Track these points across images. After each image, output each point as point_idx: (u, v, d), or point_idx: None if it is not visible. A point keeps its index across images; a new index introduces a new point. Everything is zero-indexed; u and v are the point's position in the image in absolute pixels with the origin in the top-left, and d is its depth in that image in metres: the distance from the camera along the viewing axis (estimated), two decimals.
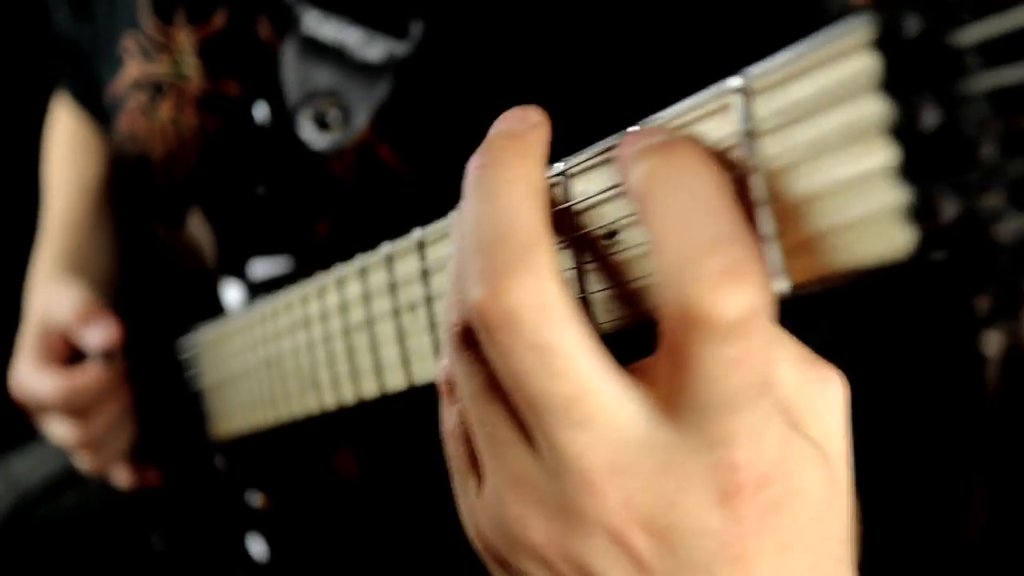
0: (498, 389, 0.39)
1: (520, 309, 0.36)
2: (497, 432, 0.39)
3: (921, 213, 0.27)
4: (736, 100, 0.34)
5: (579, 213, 0.41)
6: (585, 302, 0.42)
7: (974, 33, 0.26)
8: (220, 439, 0.92)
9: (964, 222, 0.27)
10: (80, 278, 1.05)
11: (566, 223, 0.42)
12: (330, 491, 0.95)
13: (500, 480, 0.40)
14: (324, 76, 0.79)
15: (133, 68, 0.96)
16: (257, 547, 0.93)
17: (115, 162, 1.09)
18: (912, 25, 0.27)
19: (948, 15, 0.27)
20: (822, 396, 0.39)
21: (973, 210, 0.26)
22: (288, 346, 0.73)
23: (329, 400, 0.68)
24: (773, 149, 0.33)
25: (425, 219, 0.58)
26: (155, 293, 1.08)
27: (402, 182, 0.83)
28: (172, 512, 1.07)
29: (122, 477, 1.01)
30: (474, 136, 0.81)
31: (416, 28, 0.79)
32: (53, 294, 0.98)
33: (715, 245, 0.31)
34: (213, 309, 0.94)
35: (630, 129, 0.39)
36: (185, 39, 0.92)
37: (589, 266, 0.42)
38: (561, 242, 0.42)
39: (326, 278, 0.66)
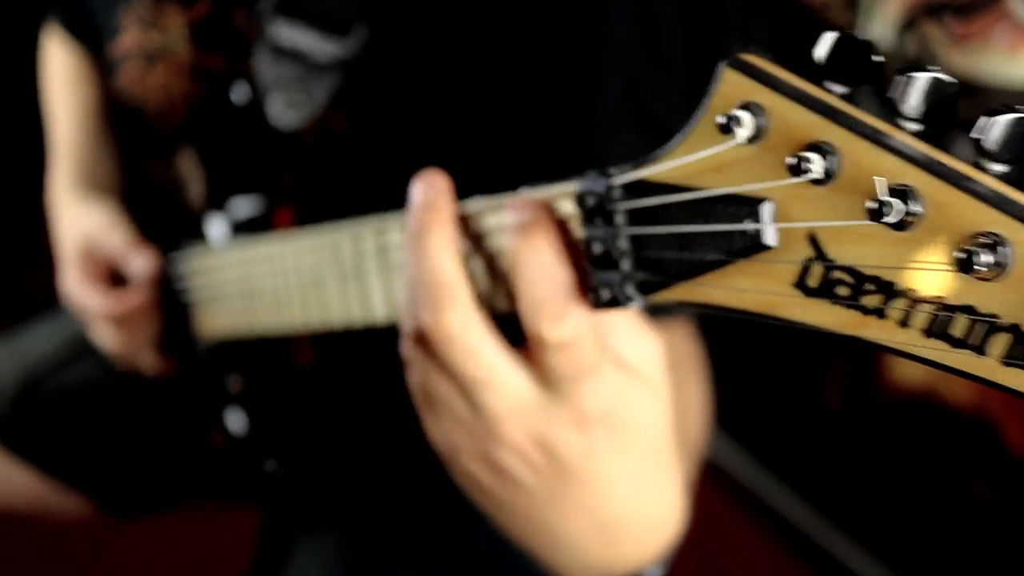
0: (444, 370, 0.65)
1: (453, 328, 0.62)
2: (444, 395, 0.66)
3: (594, 292, 0.54)
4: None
5: (486, 234, 0.67)
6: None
7: (625, 205, 0.52)
8: (206, 337, 1.18)
9: (612, 302, 0.53)
10: (102, 196, 1.27)
11: (480, 243, 0.68)
12: (290, 378, 1.21)
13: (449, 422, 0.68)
14: (289, 70, 1.02)
15: (129, 37, 1.18)
16: (235, 421, 1.20)
17: (113, 107, 1.31)
18: (590, 199, 0.53)
19: (611, 198, 0.53)
20: (645, 349, 0.65)
21: (616, 296, 0.53)
22: (261, 284, 0.99)
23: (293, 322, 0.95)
24: None
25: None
26: (146, 212, 1.32)
27: (352, 147, 1.08)
28: (162, 389, 1.33)
29: (151, 364, 1.25)
30: (408, 113, 1.05)
31: (360, 31, 1.02)
32: (93, 219, 1.20)
33: (546, 300, 0.59)
34: (194, 233, 1.18)
35: (515, 196, 0.64)
36: (175, 19, 1.14)
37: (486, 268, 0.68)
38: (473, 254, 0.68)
39: (296, 242, 0.91)
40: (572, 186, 0.56)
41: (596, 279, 0.55)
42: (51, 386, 1.37)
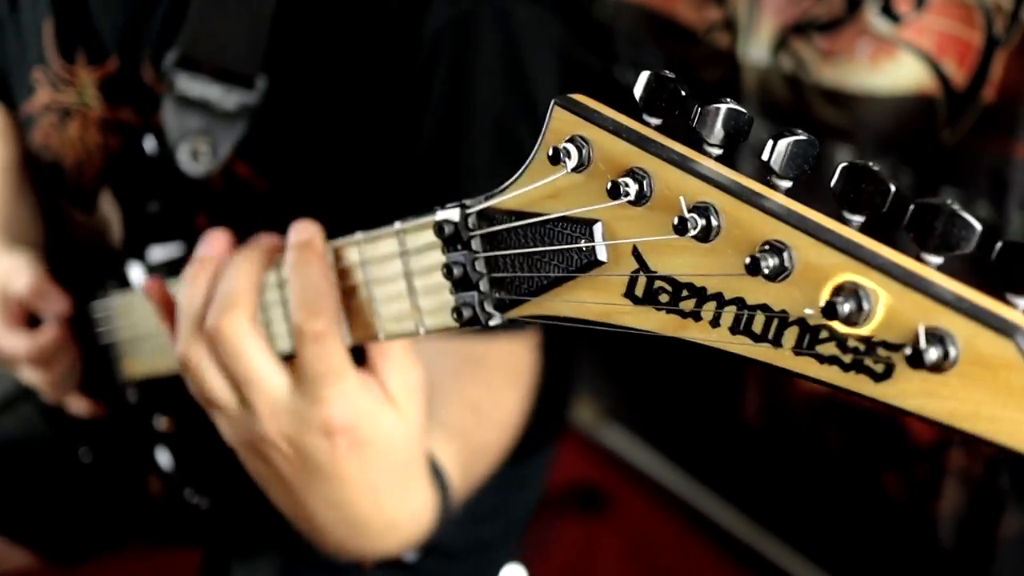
0: (219, 367, 0.77)
1: (228, 330, 0.75)
2: (219, 391, 0.78)
3: (456, 312, 0.60)
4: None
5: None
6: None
7: (479, 232, 0.59)
8: (131, 378, 1.22)
9: (473, 320, 0.59)
10: (19, 246, 1.31)
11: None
12: None
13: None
14: (195, 121, 1.07)
15: (43, 95, 1.23)
16: (164, 458, 1.24)
17: (31, 162, 1.35)
18: (447, 227, 0.59)
19: (467, 226, 0.59)
20: (407, 380, 0.77)
21: (477, 315, 0.59)
22: None
23: None
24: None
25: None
26: (68, 261, 1.35)
27: (256, 190, 1.13)
28: (95, 433, 1.36)
29: (79, 406, 1.28)
30: (309, 155, 1.10)
31: (261, 82, 1.08)
32: (6, 266, 1.23)
33: (308, 300, 0.72)
34: (118, 278, 1.23)
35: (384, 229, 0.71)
36: (86, 76, 1.19)
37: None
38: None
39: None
40: (432, 217, 0.62)
41: (457, 300, 0.61)
42: None
